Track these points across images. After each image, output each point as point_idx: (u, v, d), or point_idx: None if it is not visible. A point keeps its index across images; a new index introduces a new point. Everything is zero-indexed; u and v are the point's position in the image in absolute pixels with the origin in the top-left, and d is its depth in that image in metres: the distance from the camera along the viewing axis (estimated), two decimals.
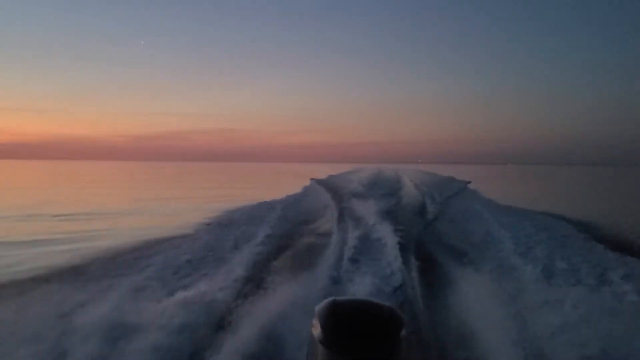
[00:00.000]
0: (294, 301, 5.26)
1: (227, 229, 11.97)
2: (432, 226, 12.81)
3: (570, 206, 22.61)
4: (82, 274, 7.62)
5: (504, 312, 5.20)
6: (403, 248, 8.16)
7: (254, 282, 6.83)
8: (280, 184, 37.50)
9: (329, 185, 24.77)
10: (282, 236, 10.80)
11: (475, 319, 4.99)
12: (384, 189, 23.15)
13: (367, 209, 13.10)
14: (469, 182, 31.99)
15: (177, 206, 20.99)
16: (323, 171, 52.57)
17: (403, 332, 1.12)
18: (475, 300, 5.60)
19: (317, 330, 1.11)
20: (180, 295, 5.76)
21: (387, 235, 9.19)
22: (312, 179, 29.76)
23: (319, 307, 1.14)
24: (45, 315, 4.94)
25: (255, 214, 14.86)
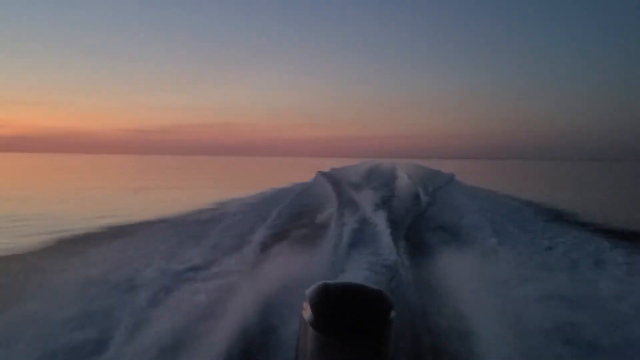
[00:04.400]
0: (290, 281, 5.08)
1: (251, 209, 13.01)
2: (422, 214, 12.67)
3: (544, 195, 22.44)
4: None
5: (489, 292, 5.09)
6: (395, 234, 8.04)
7: (266, 253, 6.96)
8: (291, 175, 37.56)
9: (332, 177, 24.71)
10: (286, 222, 10.71)
11: (462, 299, 4.88)
12: (380, 179, 23.03)
13: (364, 198, 12.99)
14: (454, 175, 31.82)
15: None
16: (327, 165, 52.46)
17: (392, 315, 1.01)
18: (462, 281, 5.47)
19: (307, 313, 1.00)
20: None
21: (380, 222, 9.07)
22: (318, 171, 29.57)
23: (309, 290, 1.03)
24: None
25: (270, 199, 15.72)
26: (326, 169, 33.21)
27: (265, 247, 7.91)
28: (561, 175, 59.51)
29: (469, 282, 5.44)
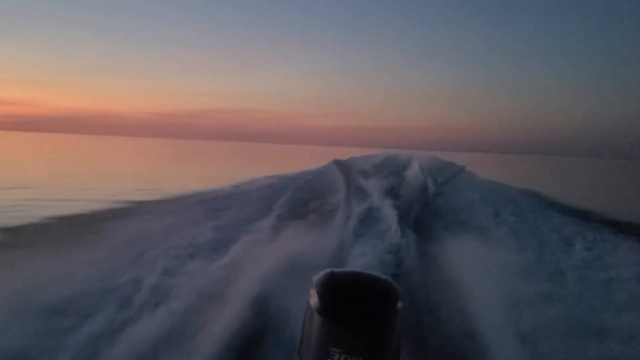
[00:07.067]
0: (297, 265, 5.09)
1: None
2: (429, 203, 12.54)
3: (554, 189, 22.09)
4: None
5: (492, 282, 5.02)
6: (402, 222, 7.95)
7: (275, 235, 7.04)
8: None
9: (346, 164, 24.66)
10: (295, 206, 10.66)
11: (466, 287, 4.82)
12: (391, 168, 22.90)
13: (373, 185, 12.92)
14: (464, 167, 31.49)
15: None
16: (349, 153, 52.06)
17: (399, 305, 0.97)
18: (466, 270, 5.39)
19: (314, 299, 0.97)
20: None
21: (388, 210, 9.02)
22: (333, 159, 29.38)
23: (316, 277, 0.99)
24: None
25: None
26: (345, 158, 33.07)
27: (274, 229, 7.83)
28: (577, 171, 58.13)
29: (473, 271, 5.36)
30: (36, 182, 16.57)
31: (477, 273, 5.22)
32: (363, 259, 5.67)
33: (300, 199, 11.92)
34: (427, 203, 12.47)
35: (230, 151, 76.83)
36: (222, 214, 9.34)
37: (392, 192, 11.73)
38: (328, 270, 0.99)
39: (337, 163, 25.75)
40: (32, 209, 10.05)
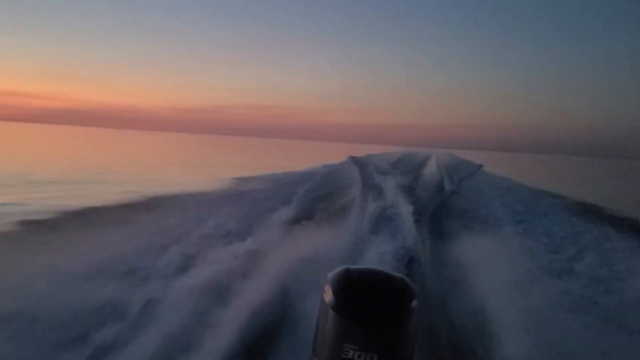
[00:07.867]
0: (312, 260, 5.06)
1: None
2: (445, 201, 12.40)
3: (574, 189, 21.64)
4: None
5: (509, 284, 4.96)
6: (418, 219, 7.88)
7: (290, 231, 7.11)
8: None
9: (362, 161, 24.50)
10: (311, 201, 10.68)
11: (481, 288, 4.77)
12: (408, 166, 22.72)
13: (388, 183, 12.81)
14: (481, 165, 30.97)
15: None
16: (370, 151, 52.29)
17: (414, 303, 0.97)
18: (481, 270, 5.34)
19: (329, 296, 0.97)
20: None
21: (403, 207, 8.90)
22: (350, 156, 29.23)
23: (331, 274, 1.00)
24: None
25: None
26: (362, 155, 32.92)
27: (288, 225, 7.84)
28: (599, 171, 56.84)
29: (488, 270, 5.32)
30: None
31: (492, 272, 5.17)
32: (378, 257, 5.62)
33: (315, 195, 11.90)
34: (443, 201, 12.33)
35: (249, 147, 77.27)
36: (235, 208, 9.38)
37: (408, 190, 11.62)
38: (343, 267, 0.99)
39: (354, 159, 25.51)
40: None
